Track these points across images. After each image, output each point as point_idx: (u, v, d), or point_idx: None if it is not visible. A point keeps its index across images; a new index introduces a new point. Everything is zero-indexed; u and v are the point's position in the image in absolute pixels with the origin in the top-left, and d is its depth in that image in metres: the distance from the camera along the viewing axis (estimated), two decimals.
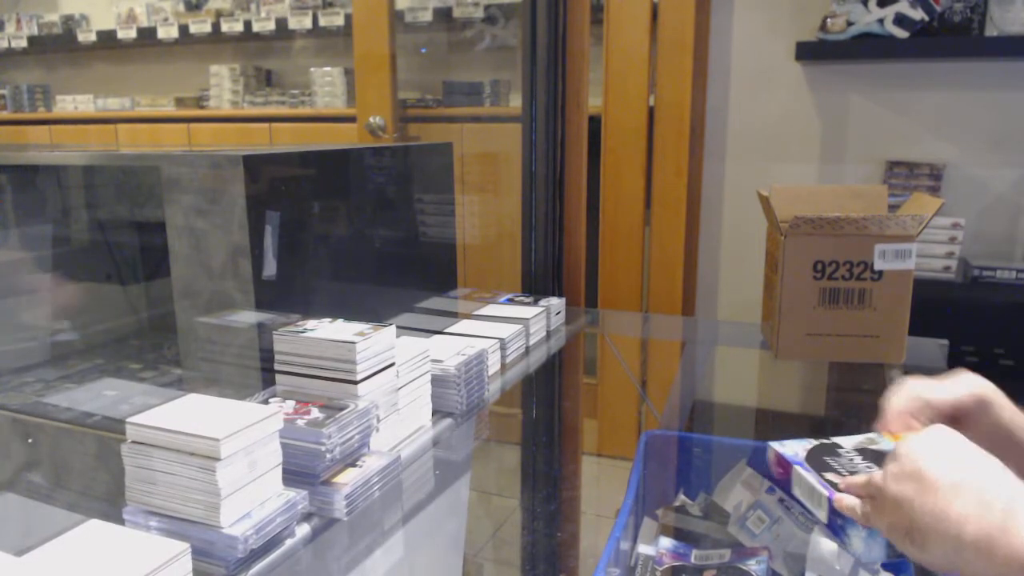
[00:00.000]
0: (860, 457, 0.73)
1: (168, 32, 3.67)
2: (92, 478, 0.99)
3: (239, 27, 3.52)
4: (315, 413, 0.84)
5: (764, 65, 2.52)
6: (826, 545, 1.01)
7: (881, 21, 2.23)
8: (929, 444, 0.61)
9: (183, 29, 3.63)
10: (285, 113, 3.47)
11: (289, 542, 0.75)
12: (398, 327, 0.97)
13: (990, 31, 2.19)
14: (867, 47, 2.29)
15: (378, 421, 0.90)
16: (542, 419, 1.52)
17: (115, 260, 1.42)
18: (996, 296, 2.12)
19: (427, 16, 3.09)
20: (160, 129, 3.68)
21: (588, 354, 1.76)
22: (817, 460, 0.73)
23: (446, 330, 1.28)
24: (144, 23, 3.77)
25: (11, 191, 1.33)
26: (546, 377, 1.45)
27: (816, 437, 0.78)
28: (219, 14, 3.59)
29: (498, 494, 1.63)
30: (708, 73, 2.60)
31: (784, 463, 0.75)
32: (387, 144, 1.61)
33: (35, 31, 4.06)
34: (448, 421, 1.05)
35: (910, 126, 2.39)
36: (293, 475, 0.79)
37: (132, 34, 3.77)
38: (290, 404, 0.87)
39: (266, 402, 0.89)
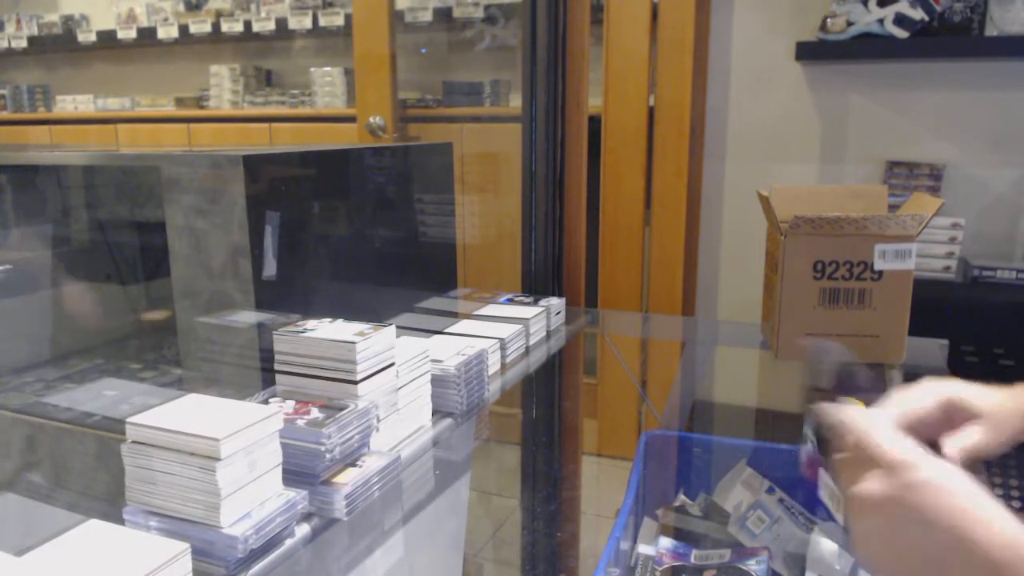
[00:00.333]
0: None
1: (168, 32, 3.67)
2: (92, 478, 0.99)
3: (239, 27, 3.52)
4: (315, 413, 0.84)
5: (764, 65, 2.52)
6: (826, 545, 1.01)
7: (881, 21, 2.23)
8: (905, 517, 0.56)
9: (183, 29, 3.63)
10: (285, 113, 3.47)
11: (289, 542, 0.75)
12: (398, 327, 0.97)
13: (990, 31, 2.19)
14: (867, 47, 2.29)
15: (378, 421, 0.90)
16: (542, 419, 1.52)
17: (115, 260, 1.42)
18: (996, 296, 2.12)
19: (427, 16, 3.09)
20: (160, 129, 3.68)
21: (588, 354, 1.76)
22: None
23: (446, 330, 1.28)
24: (144, 23, 3.77)
25: (11, 191, 1.33)
26: (546, 377, 1.45)
27: None
28: (219, 14, 3.59)
29: (498, 494, 1.63)
30: (708, 73, 2.60)
31: (814, 465, 0.75)
32: (387, 144, 1.61)
33: (35, 31, 4.06)
34: (448, 421, 1.05)
35: (910, 126, 2.39)
36: (293, 475, 0.79)
37: (132, 34, 3.77)
38: (290, 404, 0.87)
39: (266, 402, 0.89)
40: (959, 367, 1.37)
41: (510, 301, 1.48)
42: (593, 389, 2.51)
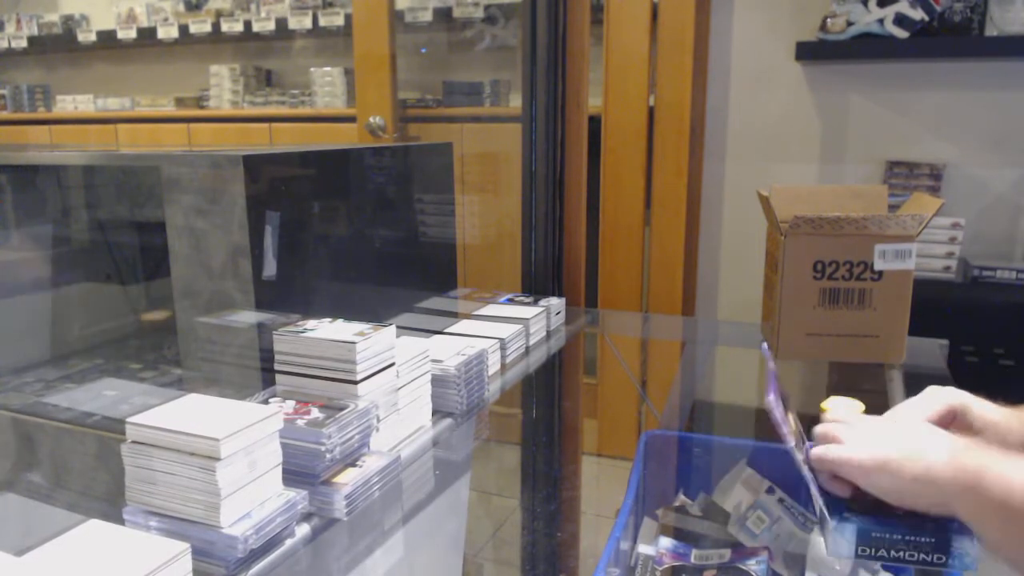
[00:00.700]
0: None
1: (168, 32, 3.67)
2: (92, 478, 0.99)
3: (239, 27, 3.52)
4: (315, 413, 0.84)
5: (764, 65, 2.52)
6: None
7: (881, 21, 2.23)
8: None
9: (183, 29, 3.63)
10: (285, 113, 3.47)
11: (289, 542, 0.75)
12: (398, 327, 0.97)
13: (990, 31, 2.19)
14: (867, 47, 2.29)
15: (378, 421, 0.90)
16: (542, 419, 1.52)
17: (115, 260, 1.42)
18: (996, 296, 2.12)
19: (427, 16, 3.09)
20: (160, 129, 3.68)
21: (588, 354, 1.76)
22: None
23: (446, 330, 1.28)
24: (144, 23, 3.77)
25: (11, 191, 1.33)
26: (546, 377, 1.45)
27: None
28: (219, 14, 3.59)
29: (498, 494, 1.63)
30: (708, 73, 2.60)
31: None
32: (387, 144, 1.61)
33: (35, 31, 4.06)
34: (448, 421, 1.05)
35: (910, 126, 2.39)
36: (293, 475, 0.79)
37: (132, 34, 3.77)
38: (290, 404, 0.87)
39: (266, 402, 0.89)
40: (959, 367, 1.37)
41: (510, 301, 1.48)
42: (593, 389, 2.50)
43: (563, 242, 1.67)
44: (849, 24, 2.27)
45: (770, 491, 1.12)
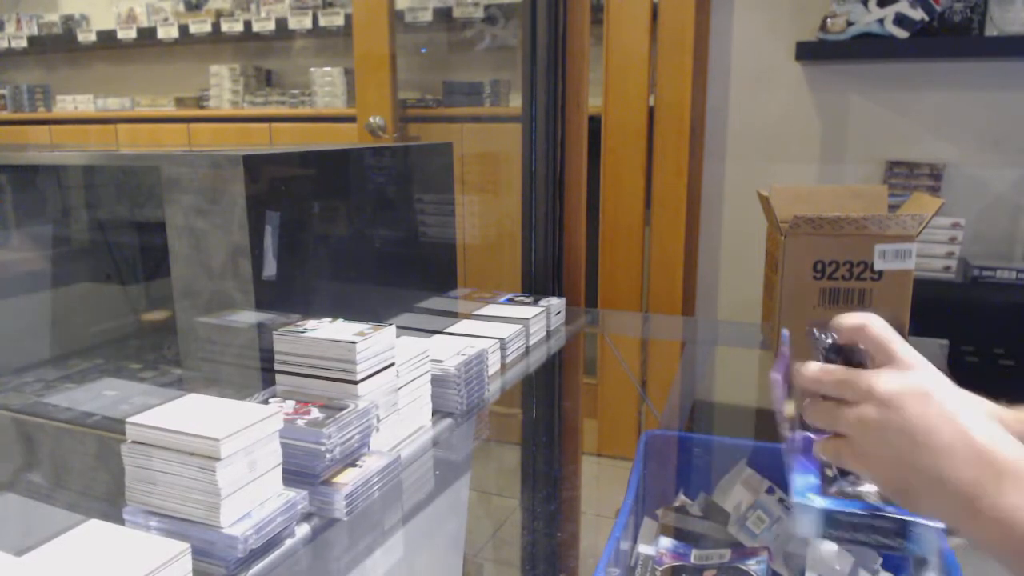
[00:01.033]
0: None
1: (168, 32, 3.67)
2: (92, 478, 0.99)
3: (239, 27, 3.52)
4: (315, 413, 0.84)
5: (764, 65, 2.52)
6: (826, 545, 1.01)
7: (881, 21, 2.23)
8: (913, 392, 0.57)
9: (183, 29, 3.63)
10: (285, 113, 3.47)
11: (289, 542, 0.75)
12: (398, 327, 0.97)
13: (990, 31, 2.19)
14: (867, 47, 2.29)
15: (378, 421, 0.90)
16: (542, 419, 1.52)
17: (115, 260, 1.42)
18: (996, 296, 2.12)
19: (427, 16, 3.09)
20: (160, 129, 3.68)
21: (588, 354, 1.76)
22: None
23: (446, 330, 1.28)
24: (144, 23, 3.77)
25: (11, 191, 1.33)
26: (546, 377, 1.45)
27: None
28: (219, 14, 3.59)
29: (498, 494, 1.63)
30: (708, 73, 2.60)
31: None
32: (387, 144, 1.61)
33: (35, 31, 4.06)
34: (448, 421, 1.05)
35: (910, 126, 2.39)
36: (293, 475, 0.79)
37: (132, 34, 3.77)
38: (290, 404, 0.87)
39: (266, 402, 0.89)
40: (959, 367, 1.37)
41: (510, 301, 1.48)
42: (593, 389, 2.50)
43: (563, 242, 1.67)
44: (849, 24, 2.27)
45: (770, 491, 1.12)
